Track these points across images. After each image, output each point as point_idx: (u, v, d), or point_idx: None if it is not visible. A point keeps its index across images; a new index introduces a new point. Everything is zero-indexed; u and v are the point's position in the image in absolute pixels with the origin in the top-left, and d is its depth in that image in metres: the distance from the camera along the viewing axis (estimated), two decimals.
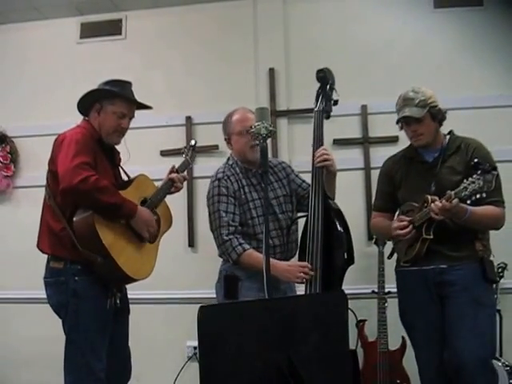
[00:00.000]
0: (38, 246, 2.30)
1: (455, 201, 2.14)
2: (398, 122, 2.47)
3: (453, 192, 2.15)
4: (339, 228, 2.39)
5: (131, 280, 2.24)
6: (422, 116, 2.36)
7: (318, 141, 2.47)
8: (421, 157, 2.49)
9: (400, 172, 2.54)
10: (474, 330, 2.24)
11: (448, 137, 2.47)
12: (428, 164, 2.46)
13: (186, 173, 2.63)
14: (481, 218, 2.27)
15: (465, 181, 2.12)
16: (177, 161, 2.70)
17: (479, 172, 2.07)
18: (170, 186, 2.51)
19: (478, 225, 2.31)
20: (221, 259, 2.59)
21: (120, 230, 2.22)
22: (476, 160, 2.15)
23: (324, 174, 2.43)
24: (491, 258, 2.40)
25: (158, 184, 2.55)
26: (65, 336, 2.25)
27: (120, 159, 2.52)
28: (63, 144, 2.20)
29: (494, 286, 2.45)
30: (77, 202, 2.16)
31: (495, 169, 2.09)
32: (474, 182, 2.08)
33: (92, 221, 2.11)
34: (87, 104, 2.38)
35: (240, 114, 2.59)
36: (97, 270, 2.16)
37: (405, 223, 2.36)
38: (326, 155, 2.40)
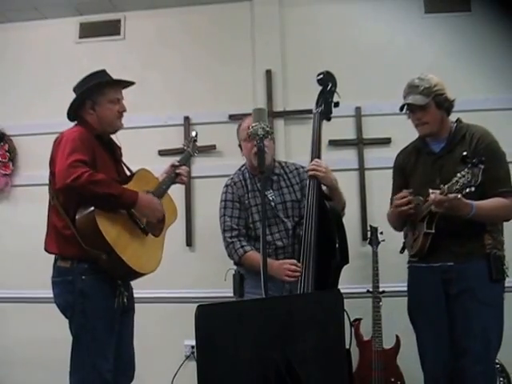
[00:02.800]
0: (46, 249, 2.28)
1: (453, 195, 2.08)
2: (401, 109, 2.41)
3: (446, 186, 2.12)
4: (334, 227, 2.41)
5: (138, 275, 2.22)
6: (425, 104, 2.32)
7: (314, 150, 2.52)
8: (428, 148, 2.44)
9: (410, 164, 2.50)
10: (478, 331, 2.20)
11: (455, 125, 2.40)
12: (435, 155, 2.40)
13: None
14: (489, 212, 2.22)
15: (457, 174, 2.08)
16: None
17: (469, 166, 2.03)
18: (173, 179, 2.52)
19: (487, 219, 2.25)
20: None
21: (123, 224, 2.19)
22: (464, 153, 2.11)
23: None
24: (501, 252, 2.30)
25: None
26: (71, 336, 2.23)
27: (121, 154, 2.48)
28: (61, 144, 2.19)
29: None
30: (76, 199, 2.14)
31: (482, 162, 2.01)
32: (464, 176, 2.05)
33: (93, 217, 2.09)
34: (76, 107, 2.35)
35: (248, 122, 2.59)
36: (102, 266, 2.13)
37: (404, 194, 2.36)
38: (315, 168, 2.45)
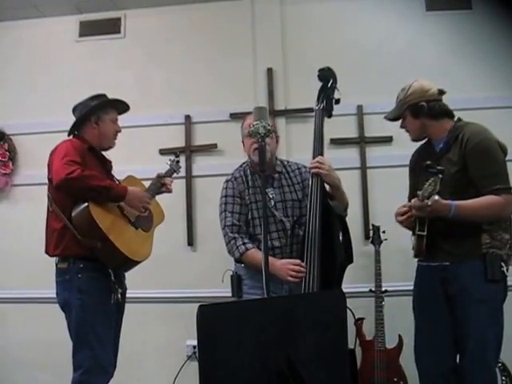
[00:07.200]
0: (46, 252, 2.41)
1: (432, 199, 2.10)
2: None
3: (420, 192, 2.15)
4: (338, 227, 2.40)
5: (130, 262, 2.35)
6: (395, 117, 2.43)
7: (316, 148, 2.50)
8: (432, 148, 2.45)
9: (418, 164, 2.50)
10: (474, 331, 2.19)
11: (453, 125, 2.38)
12: (435, 155, 2.40)
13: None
14: (472, 210, 2.19)
15: (426, 182, 2.13)
16: None
17: (433, 174, 2.11)
18: (160, 187, 2.70)
19: (473, 218, 2.21)
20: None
21: (115, 217, 2.37)
22: (428, 162, 2.16)
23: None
24: (502, 251, 2.23)
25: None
26: (70, 336, 2.33)
27: (112, 167, 2.64)
28: (55, 153, 2.37)
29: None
30: (71, 194, 2.30)
31: (442, 172, 2.08)
32: (430, 184, 2.11)
33: (88, 210, 2.27)
34: (80, 121, 2.54)
35: (250, 119, 2.60)
36: (98, 255, 2.27)
37: (404, 209, 2.34)
38: (318, 165, 2.43)
